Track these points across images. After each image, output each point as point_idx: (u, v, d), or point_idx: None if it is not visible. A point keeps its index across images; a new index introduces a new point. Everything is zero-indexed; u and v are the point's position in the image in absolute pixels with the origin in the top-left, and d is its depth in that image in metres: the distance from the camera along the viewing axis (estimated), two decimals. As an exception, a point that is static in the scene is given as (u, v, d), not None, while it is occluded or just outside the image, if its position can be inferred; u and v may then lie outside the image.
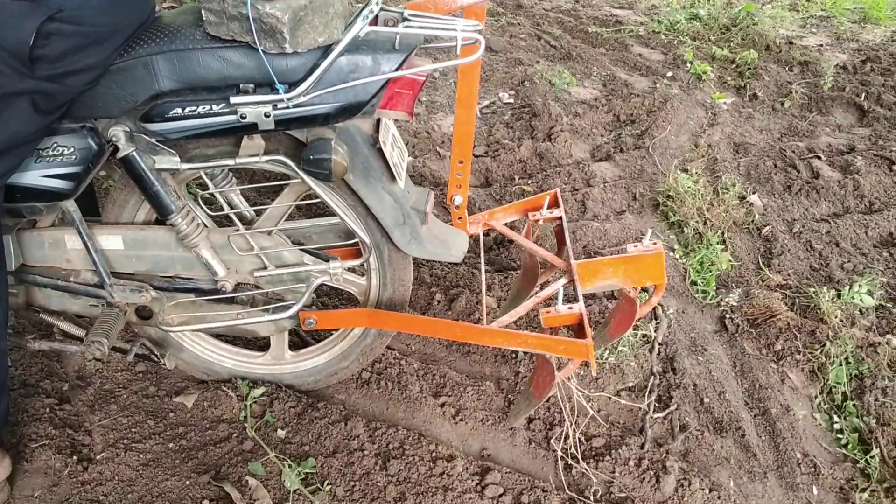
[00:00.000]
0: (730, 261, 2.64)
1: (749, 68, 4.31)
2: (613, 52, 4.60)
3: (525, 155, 3.29)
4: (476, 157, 3.27)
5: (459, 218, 1.99)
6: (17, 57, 1.43)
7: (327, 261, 1.83)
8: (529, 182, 3.09)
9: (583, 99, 3.90)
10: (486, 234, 2.64)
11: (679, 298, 2.50)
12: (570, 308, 1.74)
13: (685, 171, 3.18)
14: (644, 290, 2.21)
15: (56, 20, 1.43)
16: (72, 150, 1.63)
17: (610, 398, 2.12)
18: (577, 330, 1.76)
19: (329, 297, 2.30)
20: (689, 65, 4.34)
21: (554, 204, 2.10)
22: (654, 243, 1.88)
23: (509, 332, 1.73)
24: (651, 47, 4.71)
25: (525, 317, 2.21)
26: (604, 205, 2.96)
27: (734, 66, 4.40)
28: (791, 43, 4.76)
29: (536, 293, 1.92)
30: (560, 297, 1.75)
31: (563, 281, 1.87)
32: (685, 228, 2.79)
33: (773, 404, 2.14)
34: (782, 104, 3.94)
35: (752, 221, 2.88)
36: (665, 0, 5.62)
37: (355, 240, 1.86)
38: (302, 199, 1.83)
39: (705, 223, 2.79)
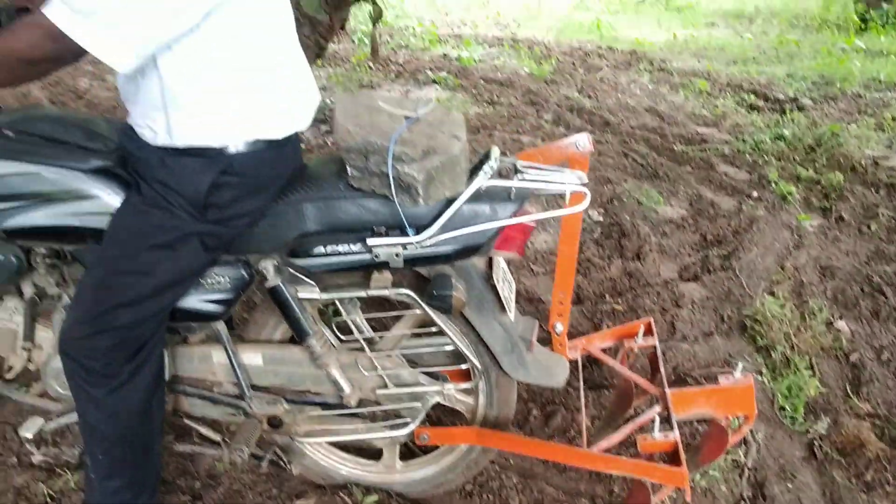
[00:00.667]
0: (818, 387, 2.71)
1: (835, 190, 4.41)
2: (699, 171, 4.77)
3: (615, 273, 3.46)
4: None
5: (560, 344, 2.17)
6: (193, 204, 1.70)
7: (441, 382, 2.03)
8: (619, 301, 3.24)
9: (670, 218, 4.07)
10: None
11: (768, 423, 2.58)
12: (666, 436, 1.87)
13: (772, 294, 3.28)
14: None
15: (227, 174, 1.70)
16: (227, 279, 1.89)
17: (701, 521, 2.20)
18: (672, 457, 1.88)
19: (434, 410, 2.48)
20: (774, 185, 4.47)
21: (648, 332, 2.25)
22: (745, 376, 2.01)
23: (608, 458, 1.87)
24: (736, 166, 4.87)
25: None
26: (692, 326, 3.08)
27: (820, 187, 4.51)
28: (877, 164, 4.84)
29: (631, 418, 2.06)
30: (656, 425, 1.88)
31: (658, 408, 2.00)
32: (773, 353, 2.88)
33: (864, 534, 2.19)
34: (869, 227, 4.02)
35: (840, 347, 2.95)
36: (749, 119, 5.80)
37: (466, 364, 2.04)
38: (419, 326, 2.05)
39: (793, 348, 2.88)
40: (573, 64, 7.32)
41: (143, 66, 1.59)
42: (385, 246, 1.77)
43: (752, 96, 6.32)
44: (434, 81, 6.48)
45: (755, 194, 4.38)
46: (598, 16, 9.73)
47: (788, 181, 4.54)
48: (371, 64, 6.90)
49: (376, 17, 5.41)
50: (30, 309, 2.05)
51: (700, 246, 3.82)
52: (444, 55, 7.53)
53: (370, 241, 1.77)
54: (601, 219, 4.01)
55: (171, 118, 1.66)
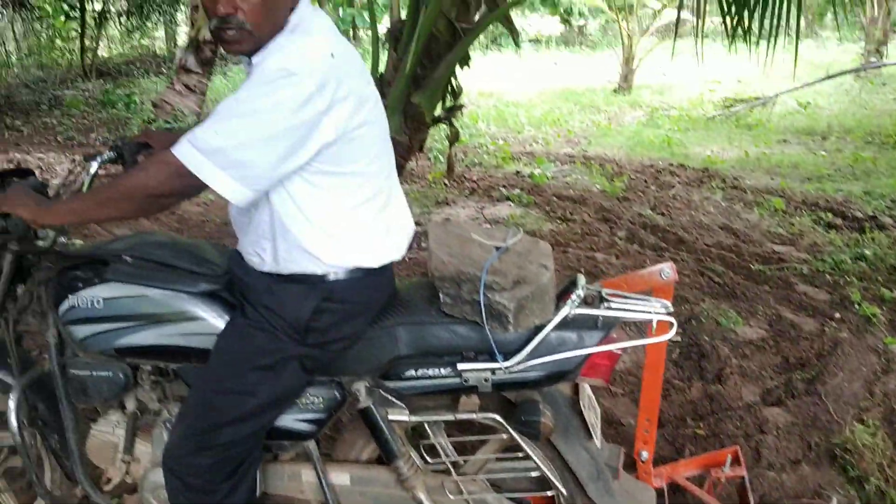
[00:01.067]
0: (916, 522, 2.60)
1: (922, 312, 4.31)
2: (778, 291, 4.72)
3: (695, 396, 3.42)
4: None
5: (645, 472, 2.15)
6: (295, 328, 1.80)
7: (525, 507, 2.03)
8: (701, 425, 3.19)
9: (750, 339, 4.02)
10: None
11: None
12: (758, 572, 1.83)
13: (861, 421, 3.18)
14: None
15: (327, 300, 1.80)
16: (321, 399, 1.96)
17: None
18: None
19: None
20: (857, 306, 4.39)
21: (736, 461, 2.22)
22: (839, 510, 1.96)
23: None
24: (816, 286, 4.80)
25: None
26: (778, 453, 3.00)
27: (905, 308, 4.41)
28: (966, 285, 4.72)
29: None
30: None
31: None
32: (866, 485, 2.78)
33: None
34: (960, 351, 3.89)
35: (938, 480, 2.83)
36: (827, 237, 5.74)
37: (551, 491, 2.04)
38: (504, 450, 2.06)
39: (887, 480, 2.77)
40: (645, 181, 7.42)
41: (257, 200, 1.72)
42: (475, 371, 1.83)
43: (830, 214, 6.28)
44: (507, 198, 6.64)
45: (837, 315, 4.31)
46: (667, 133, 9.90)
47: (872, 302, 4.45)
48: (447, 181, 7.12)
49: (453, 138, 5.65)
50: (131, 423, 2.15)
51: (782, 369, 3.75)
52: (517, 172, 7.74)
53: (460, 366, 1.83)
54: (679, 339, 3.98)
55: (278, 247, 1.78)
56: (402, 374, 1.89)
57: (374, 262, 1.85)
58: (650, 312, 1.85)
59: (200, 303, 1.94)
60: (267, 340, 1.81)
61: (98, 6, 13.68)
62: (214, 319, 1.93)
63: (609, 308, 1.85)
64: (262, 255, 1.83)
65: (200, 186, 1.66)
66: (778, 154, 8.74)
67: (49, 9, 13.86)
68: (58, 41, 14.91)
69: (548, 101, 12.72)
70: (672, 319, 1.84)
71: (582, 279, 1.87)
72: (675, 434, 3.14)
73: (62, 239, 2.09)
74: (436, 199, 6.61)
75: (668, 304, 1.91)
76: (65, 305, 1.99)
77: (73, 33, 14.40)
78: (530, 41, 21.77)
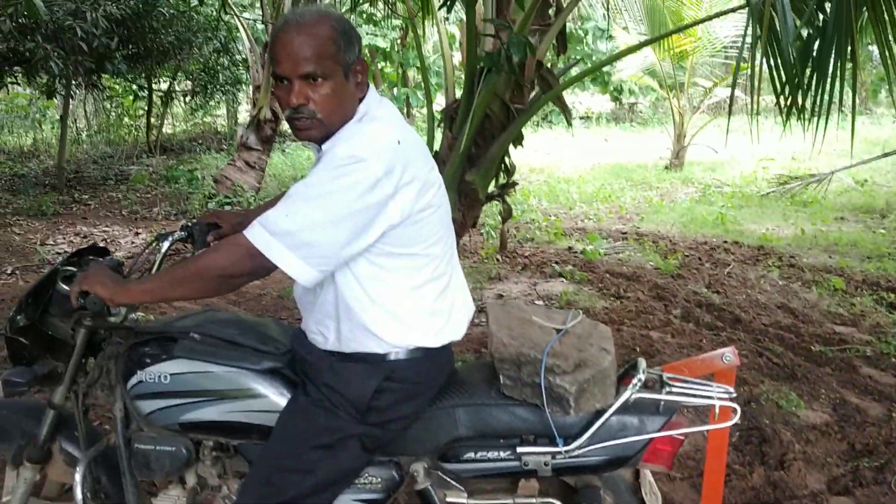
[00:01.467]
0: None
1: None
2: (840, 373, 4.59)
3: (757, 482, 3.31)
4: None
5: (709, 561, 2.09)
6: (357, 407, 1.82)
7: None
8: (765, 513, 3.09)
9: (813, 423, 3.90)
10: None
11: None
12: None
13: (935, 513, 3.05)
14: None
15: (389, 379, 1.83)
16: (379, 480, 1.96)
17: None
18: None
19: None
20: (925, 391, 4.25)
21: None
22: None
23: None
24: (881, 369, 4.66)
25: None
26: (847, 546, 2.89)
27: (977, 393, 4.25)
28: None
29: None
30: None
31: None
32: (943, 581, 2.65)
33: None
34: None
35: None
36: (891, 318, 5.59)
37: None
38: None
39: (966, 578, 2.64)
40: (699, 258, 7.36)
41: (323, 280, 1.78)
42: (534, 454, 1.82)
43: (892, 294, 6.13)
44: (560, 274, 6.64)
45: (905, 401, 4.17)
46: (721, 210, 9.82)
47: (941, 386, 4.30)
48: (499, 257, 7.16)
49: (506, 215, 5.71)
50: (191, 498, 2.17)
51: (849, 456, 3.62)
52: (569, 248, 7.74)
53: (520, 449, 1.83)
54: (738, 421, 3.88)
55: (342, 326, 1.82)
56: (460, 455, 1.89)
57: (436, 342, 1.88)
58: (712, 397, 1.83)
59: (263, 380, 1.98)
60: (328, 419, 1.83)
61: (164, 86, 14.30)
62: (276, 397, 1.96)
63: (671, 392, 1.83)
64: (326, 333, 1.87)
65: (270, 267, 1.72)
66: (835, 232, 8.60)
67: (119, 89, 14.54)
68: (126, 119, 15.59)
69: (599, 178, 12.77)
70: (735, 405, 1.82)
71: (643, 363, 1.86)
72: (738, 522, 3.04)
73: (133, 315, 2.17)
74: (488, 274, 6.64)
75: (731, 389, 1.89)
76: (133, 380, 2.04)
77: (140, 112, 15.06)
78: (581, 118, 22.03)
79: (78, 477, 2.09)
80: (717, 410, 1.82)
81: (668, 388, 1.85)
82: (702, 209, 10.05)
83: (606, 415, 1.79)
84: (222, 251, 1.75)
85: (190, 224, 2.36)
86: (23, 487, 2.22)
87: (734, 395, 1.86)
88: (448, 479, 1.94)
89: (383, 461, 1.96)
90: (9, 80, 9.47)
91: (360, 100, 1.85)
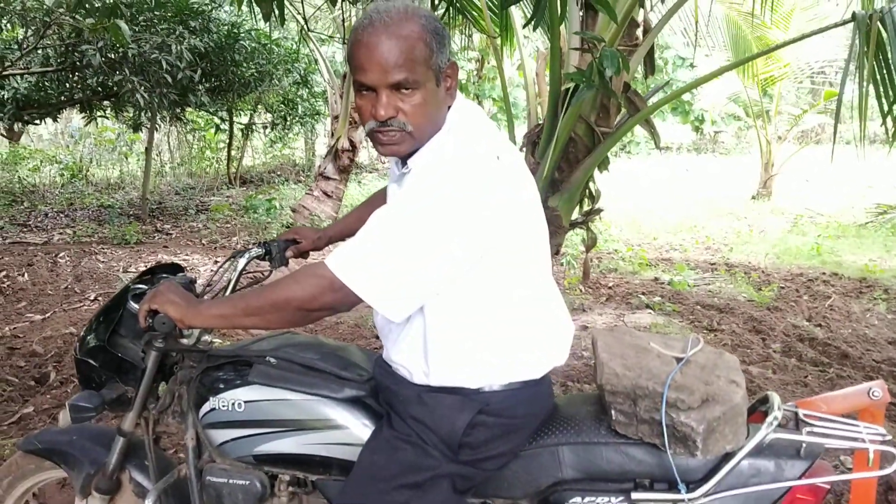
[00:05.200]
0: None
1: None
2: (968, 415, 4.17)
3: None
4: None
5: None
6: (448, 443, 1.62)
7: None
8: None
9: (942, 471, 3.51)
10: None
11: None
12: None
13: None
14: None
15: (482, 413, 1.62)
16: (472, 524, 1.75)
17: None
18: None
19: None
20: None
21: None
22: None
23: None
24: None
25: None
26: None
27: None
28: None
29: None
30: None
31: None
32: None
33: None
34: None
35: None
36: None
37: None
38: None
39: None
40: (796, 290, 6.93)
41: (413, 312, 1.59)
42: (653, 501, 1.58)
43: None
44: (647, 306, 6.32)
45: None
46: (816, 240, 9.32)
47: None
48: (582, 287, 6.89)
49: (591, 243, 5.47)
50: (267, 537, 2.00)
51: None
52: (656, 279, 7.41)
53: (635, 496, 1.59)
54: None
55: (430, 360, 1.63)
56: (565, 500, 1.66)
57: (533, 372, 1.68)
58: (864, 440, 1.56)
59: (345, 410, 1.81)
60: (416, 455, 1.63)
61: (245, 119, 14.55)
62: (358, 429, 1.78)
63: (812, 433, 1.57)
64: (412, 367, 1.68)
65: (354, 301, 1.54)
66: (944, 263, 8.04)
67: (201, 122, 14.86)
68: (207, 152, 15.91)
69: (682, 208, 12.35)
70: (893, 449, 1.54)
71: (776, 397, 1.61)
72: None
73: (207, 337, 2.03)
74: (571, 305, 6.37)
75: (883, 430, 1.62)
76: (205, 407, 1.90)
77: (222, 144, 15.34)
78: (661, 149, 21.55)
79: (147, 509, 1.94)
80: (871, 455, 1.54)
81: (808, 428, 1.59)
82: (795, 240, 9.56)
83: (738, 457, 1.54)
84: (303, 282, 1.56)
85: (267, 241, 2.22)
86: (91, 519, 2.09)
87: (888, 437, 1.58)
88: (550, 526, 1.71)
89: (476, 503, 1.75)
90: (98, 114, 9.72)
91: (449, 107, 1.66)
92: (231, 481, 1.92)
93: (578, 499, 1.65)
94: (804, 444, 1.56)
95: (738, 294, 6.81)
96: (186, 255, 8.39)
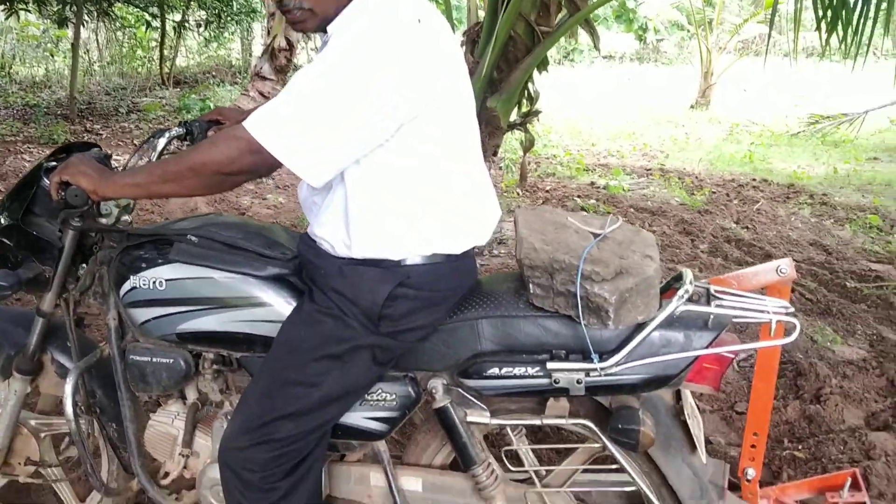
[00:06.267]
0: None
1: None
2: (877, 310, 4.38)
3: (793, 416, 3.14)
4: (738, 413, 3.17)
5: (751, 493, 1.92)
6: (368, 315, 1.63)
7: (616, 527, 1.82)
8: (800, 447, 2.92)
9: (850, 359, 3.71)
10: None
11: None
12: None
13: (982, 451, 2.87)
14: None
15: (404, 286, 1.63)
16: (393, 396, 1.79)
17: None
18: None
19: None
20: (968, 329, 4.04)
21: (855, 485, 1.97)
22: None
23: None
24: (920, 307, 4.45)
25: None
26: (889, 482, 2.71)
27: None
28: None
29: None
30: None
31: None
32: None
33: None
34: None
35: None
36: (930, 256, 5.36)
37: (644, 507, 1.82)
38: (592, 461, 1.86)
39: None
40: (727, 195, 7.10)
41: (331, 180, 1.57)
42: (566, 371, 1.64)
43: (930, 233, 5.89)
44: (583, 209, 6.41)
45: (947, 338, 3.96)
46: (749, 148, 9.51)
47: (984, 326, 4.09)
48: (519, 190, 6.93)
49: (528, 144, 5.48)
50: (191, 415, 2.02)
51: (888, 392, 3.43)
52: (592, 183, 7.50)
53: (550, 365, 1.64)
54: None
55: (352, 231, 1.63)
56: (483, 371, 1.70)
57: (456, 247, 1.68)
58: (769, 312, 1.63)
59: (268, 288, 1.80)
60: (336, 327, 1.65)
61: (178, 17, 13.95)
62: (282, 306, 1.79)
63: (721, 306, 1.63)
64: (334, 239, 1.67)
65: (273, 164, 1.52)
66: (869, 171, 8.29)
67: (131, 19, 14.19)
68: (138, 51, 15.26)
69: (622, 116, 12.42)
70: (795, 320, 1.61)
71: (689, 273, 1.66)
72: (772, 456, 2.88)
73: (126, 218, 1.99)
74: (508, 207, 6.41)
75: (787, 304, 1.69)
76: (126, 286, 1.87)
77: (153, 43, 14.72)
78: (604, 58, 21.46)
79: (68, 388, 1.93)
80: (773, 326, 1.61)
81: (717, 302, 1.65)
82: (729, 147, 9.75)
83: (649, 328, 1.59)
84: (220, 145, 1.54)
85: (188, 121, 2.16)
86: (13, 400, 2.07)
87: (791, 309, 1.66)
88: (469, 397, 1.76)
89: (398, 376, 1.79)
90: (19, 6, 9.18)
91: None
92: (154, 360, 1.92)
93: (496, 370, 1.69)
94: (712, 316, 1.62)
95: (672, 198, 6.95)
96: (117, 155, 8.14)
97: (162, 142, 2.05)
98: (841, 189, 7.56)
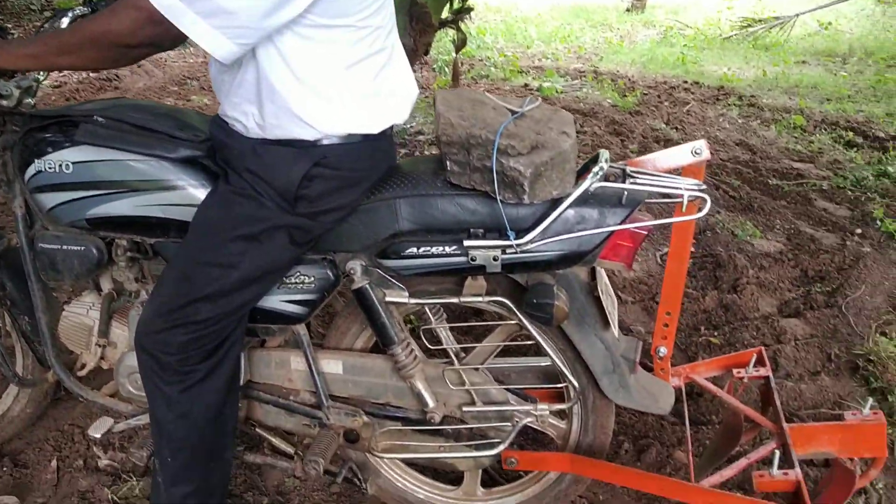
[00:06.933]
0: (944, 437, 2.45)
1: (948, 229, 4.11)
2: (796, 206, 4.51)
3: (710, 305, 3.26)
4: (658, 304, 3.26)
5: (662, 369, 1.99)
6: (283, 195, 1.60)
7: (532, 402, 1.87)
8: (716, 334, 3.03)
9: (767, 251, 3.83)
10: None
11: (887, 472, 2.33)
12: (786, 474, 1.68)
13: (884, 334, 3.02)
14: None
15: (320, 166, 1.60)
16: (312, 279, 1.78)
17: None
18: (793, 498, 1.68)
19: (518, 438, 2.31)
20: (879, 223, 4.19)
21: (760, 362, 2.05)
22: (875, 413, 1.80)
23: (723, 494, 1.68)
24: (836, 202, 4.59)
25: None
26: (797, 364, 2.85)
27: (930, 226, 4.22)
28: None
29: (742, 453, 1.86)
30: (775, 461, 1.69)
31: (773, 444, 1.81)
32: (889, 396, 2.63)
33: None
34: None
35: (964, 394, 2.68)
36: (847, 156, 5.51)
37: (559, 383, 1.88)
38: (510, 340, 1.90)
39: (912, 392, 2.63)
40: (658, 97, 7.12)
41: (242, 57, 1.51)
42: (483, 248, 1.64)
43: (850, 133, 6.02)
44: (515, 109, 6.36)
45: (859, 231, 4.11)
46: (682, 51, 9.52)
47: (895, 219, 4.25)
48: (452, 91, 6.83)
49: (460, 43, 5.36)
50: (106, 304, 1.98)
51: (801, 281, 3.57)
52: (526, 85, 7.43)
53: (467, 243, 1.64)
54: (693, 249, 3.80)
55: (265, 110, 1.58)
56: (401, 251, 1.70)
57: (372, 126, 1.64)
58: (680, 188, 1.65)
59: (180, 171, 1.75)
60: (252, 208, 1.61)
61: None
62: (195, 189, 1.74)
63: (635, 184, 1.64)
64: (246, 119, 1.62)
65: (177, 36, 1.44)
66: (797, 74, 8.40)
67: None
68: (51, -56, 14.32)
69: (558, 18, 12.26)
70: (706, 196, 1.64)
71: (605, 153, 1.66)
72: (689, 342, 2.99)
73: (28, 100, 1.88)
74: (440, 108, 6.34)
75: (700, 182, 1.71)
76: (31, 171, 1.80)
77: (68, -65, 13.82)
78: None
79: (-27, 278, 1.86)
80: (685, 202, 1.63)
81: (632, 181, 1.66)
82: (662, 50, 9.74)
83: (564, 205, 1.59)
84: (120, 14, 1.45)
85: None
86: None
87: (704, 187, 1.68)
88: (388, 278, 1.76)
89: (316, 259, 1.77)
90: None
91: None
92: (65, 248, 1.86)
93: (414, 249, 1.69)
94: (626, 193, 1.63)
95: (604, 100, 6.95)
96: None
97: (65, 21, 1.94)
98: (769, 91, 7.66)
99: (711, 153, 5.14)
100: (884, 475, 2.30)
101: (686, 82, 7.85)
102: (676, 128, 6.08)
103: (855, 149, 5.70)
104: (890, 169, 5.02)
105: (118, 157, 1.75)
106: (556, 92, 7.12)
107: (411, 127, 5.68)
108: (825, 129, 6.18)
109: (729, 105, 6.91)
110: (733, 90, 7.50)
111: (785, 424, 1.82)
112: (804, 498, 1.62)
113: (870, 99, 7.40)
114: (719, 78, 8.07)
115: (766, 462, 1.70)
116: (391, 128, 1.73)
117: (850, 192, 4.72)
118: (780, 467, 1.70)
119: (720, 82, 7.86)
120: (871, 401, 1.86)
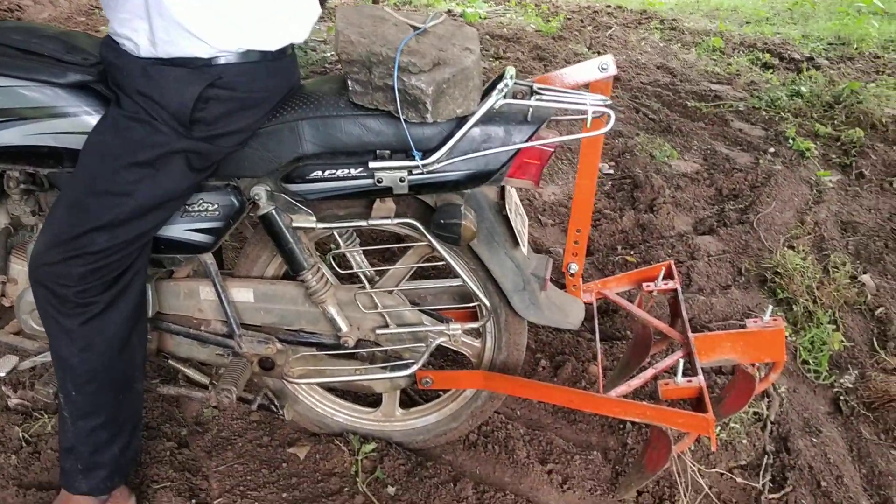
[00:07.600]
0: (842, 341, 2.57)
1: (854, 146, 4.24)
2: (713, 127, 4.60)
3: (627, 225, 3.31)
4: (577, 226, 3.30)
5: (574, 286, 2.02)
6: (178, 119, 1.54)
7: (446, 322, 1.88)
8: (632, 252, 3.10)
9: (684, 172, 3.91)
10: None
11: (790, 377, 2.44)
12: (690, 381, 1.73)
13: (791, 248, 3.13)
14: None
15: (215, 86, 1.54)
16: (215, 206, 1.73)
17: (722, 475, 2.07)
18: (696, 404, 1.74)
19: (435, 358, 2.34)
20: (791, 141, 4.30)
21: (668, 275, 2.10)
22: (775, 319, 1.87)
23: (628, 403, 1.73)
24: (751, 123, 4.69)
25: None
26: (709, 278, 2.93)
27: (839, 143, 4.35)
28: (898, 122, 4.67)
29: (651, 364, 1.92)
30: (680, 369, 1.74)
31: (680, 354, 1.86)
32: (794, 306, 2.74)
33: (894, 492, 2.06)
34: (891, 184, 3.85)
35: (865, 302, 2.81)
36: (764, 77, 5.61)
37: (471, 303, 1.89)
38: (423, 262, 1.89)
39: (815, 302, 2.73)
40: (581, 21, 7.10)
41: None
42: (389, 170, 1.62)
43: (767, 55, 6.13)
44: (438, 35, 6.26)
45: (772, 150, 4.22)
46: (606, -24, 9.48)
47: (806, 138, 4.37)
48: (373, 17, 6.67)
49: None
50: (3, 239, 1.90)
51: (715, 200, 3.67)
52: (448, 11, 7.30)
53: (372, 165, 1.61)
54: (612, 172, 3.85)
55: (154, 27, 1.49)
56: (306, 175, 1.66)
57: (270, 43, 1.58)
58: (586, 104, 1.64)
59: (69, 96, 1.66)
60: (145, 133, 1.54)
61: None
62: (87, 115, 1.65)
63: (541, 100, 1.63)
64: (136, 38, 1.53)
65: None
66: (717, -2, 8.48)
67: None
68: None
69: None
70: (610, 111, 1.64)
71: (511, 70, 1.63)
72: (605, 262, 3.04)
73: None
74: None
75: (606, 97, 1.71)
76: None
77: None
78: None
79: None
80: (590, 118, 1.63)
81: (538, 97, 1.64)
82: (586, -25, 9.66)
83: (469, 124, 1.57)
84: None
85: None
86: None
87: (609, 101, 1.68)
88: (294, 203, 1.72)
89: (219, 185, 1.72)
90: None
91: None
92: (-51, 180, 1.77)
93: (319, 172, 1.65)
94: (531, 110, 1.62)
95: (527, 25, 6.89)
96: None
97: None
98: (690, 15, 7.72)
99: (633, 77, 5.20)
100: (786, 380, 2.41)
101: (609, 7, 7.83)
102: (598, 52, 6.08)
103: (771, 70, 5.81)
104: (803, 89, 5.14)
105: (2, 83, 1.65)
106: (480, 18, 7.03)
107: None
108: (743, 52, 6.28)
109: (651, 29, 6.94)
110: (655, 14, 7.53)
111: (691, 334, 1.88)
112: (706, 403, 1.68)
113: (787, 21, 7.53)
114: (642, 2, 8.08)
115: (673, 371, 1.75)
116: (291, 46, 1.67)
117: (764, 113, 4.82)
118: (684, 375, 1.75)
119: (643, 6, 7.88)
120: (770, 308, 1.93)
